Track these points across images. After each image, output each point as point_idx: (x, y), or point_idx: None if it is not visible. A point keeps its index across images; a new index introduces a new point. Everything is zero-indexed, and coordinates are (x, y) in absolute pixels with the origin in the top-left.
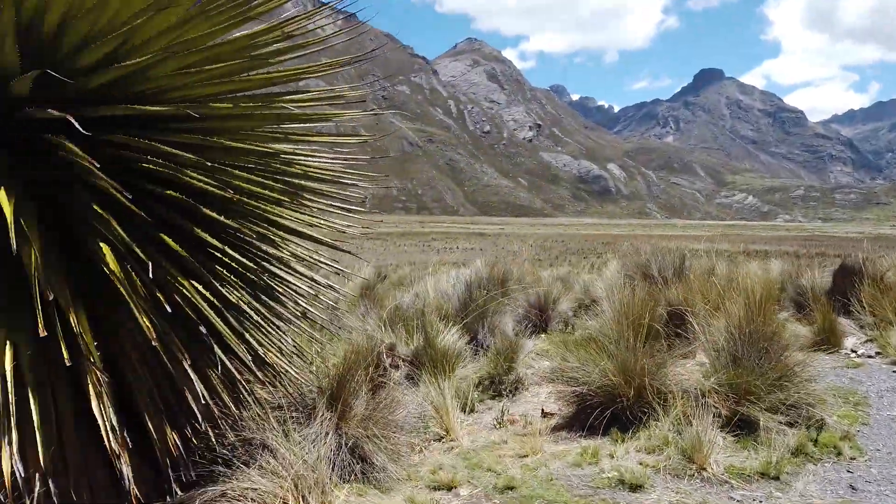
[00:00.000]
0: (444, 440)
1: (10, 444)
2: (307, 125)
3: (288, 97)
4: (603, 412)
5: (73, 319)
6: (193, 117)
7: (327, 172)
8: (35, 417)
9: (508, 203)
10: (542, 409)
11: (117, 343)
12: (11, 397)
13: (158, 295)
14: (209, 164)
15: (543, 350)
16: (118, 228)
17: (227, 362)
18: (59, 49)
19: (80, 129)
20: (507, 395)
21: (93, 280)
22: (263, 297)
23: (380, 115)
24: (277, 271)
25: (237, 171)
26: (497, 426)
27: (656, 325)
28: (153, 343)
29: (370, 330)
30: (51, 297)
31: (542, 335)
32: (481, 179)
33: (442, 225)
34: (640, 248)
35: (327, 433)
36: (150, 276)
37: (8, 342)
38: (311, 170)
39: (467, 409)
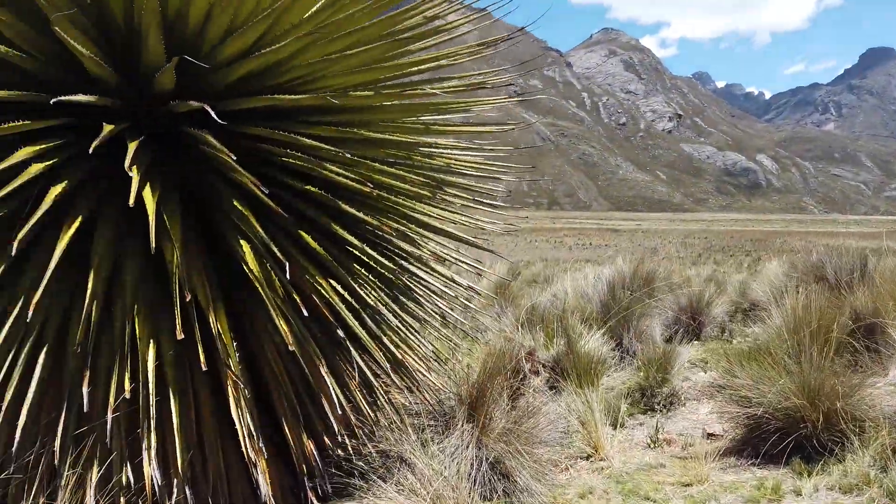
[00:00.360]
0: (591, 459)
1: (148, 448)
2: (447, 116)
3: (435, 85)
4: (782, 439)
5: (212, 319)
6: (332, 109)
7: (471, 165)
8: (175, 420)
9: (645, 198)
10: (705, 430)
11: (257, 341)
12: (152, 398)
13: (296, 297)
14: (349, 156)
15: (699, 359)
16: (257, 226)
17: (365, 367)
18: (202, 42)
19: (220, 120)
20: (661, 411)
21: (231, 276)
22: (402, 297)
23: (510, 109)
24: (416, 270)
25: (377, 165)
26: (651, 446)
27: (844, 338)
28: (291, 347)
29: (507, 331)
30: (188, 298)
31: (695, 342)
32: (616, 173)
33: (574, 221)
34: (807, 246)
35: (467, 446)
36: (288, 276)
37: (151, 341)
38: (455, 163)
39: (616, 423)
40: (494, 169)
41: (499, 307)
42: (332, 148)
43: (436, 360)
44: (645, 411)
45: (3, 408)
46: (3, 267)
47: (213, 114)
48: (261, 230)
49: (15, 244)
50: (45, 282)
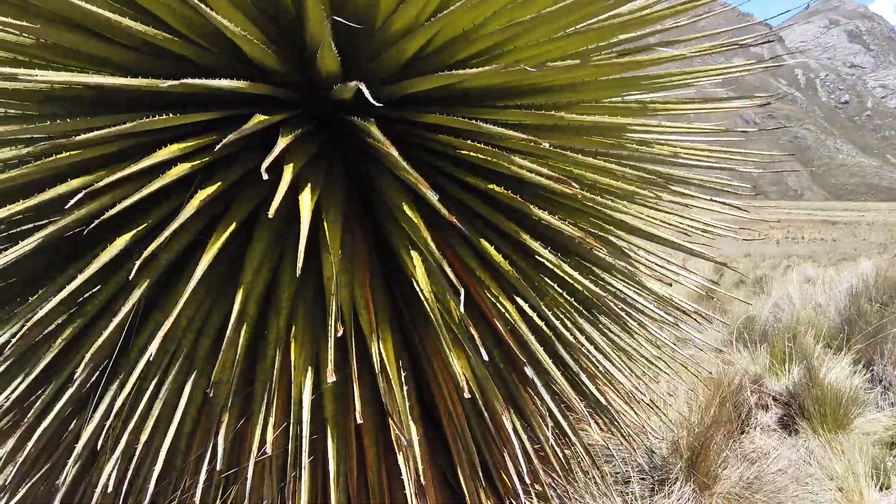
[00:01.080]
0: None
1: (293, 494)
2: (664, 93)
3: (659, 52)
4: None
5: (374, 349)
6: (523, 89)
7: (702, 154)
8: (332, 459)
9: (870, 185)
10: None
11: (430, 369)
12: (306, 431)
13: (473, 331)
14: (547, 147)
15: None
16: (428, 238)
17: (555, 407)
18: (374, 11)
19: (374, 102)
20: None
21: (403, 288)
22: (602, 322)
23: (702, 87)
24: (622, 288)
25: (580, 157)
26: None
27: None
28: (466, 394)
29: (723, 352)
30: (340, 332)
31: None
32: (834, 158)
33: (781, 211)
34: None
35: None
36: (462, 299)
37: (310, 368)
38: (684, 151)
39: (883, 485)
40: (732, 158)
41: (704, 317)
42: (524, 136)
43: (643, 398)
44: None
45: (140, 447)
46: (146, 283)
47: (366, 93)
48: (433, 244)
49: (138, 263)
50: (179, 306)
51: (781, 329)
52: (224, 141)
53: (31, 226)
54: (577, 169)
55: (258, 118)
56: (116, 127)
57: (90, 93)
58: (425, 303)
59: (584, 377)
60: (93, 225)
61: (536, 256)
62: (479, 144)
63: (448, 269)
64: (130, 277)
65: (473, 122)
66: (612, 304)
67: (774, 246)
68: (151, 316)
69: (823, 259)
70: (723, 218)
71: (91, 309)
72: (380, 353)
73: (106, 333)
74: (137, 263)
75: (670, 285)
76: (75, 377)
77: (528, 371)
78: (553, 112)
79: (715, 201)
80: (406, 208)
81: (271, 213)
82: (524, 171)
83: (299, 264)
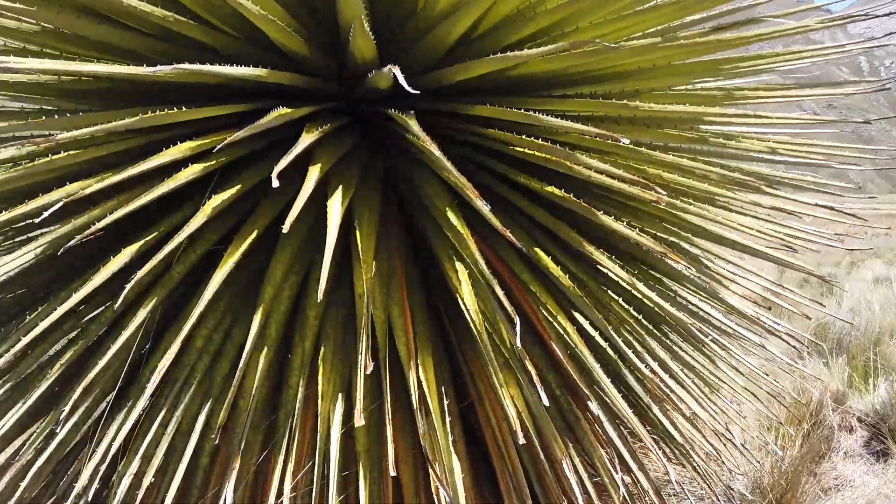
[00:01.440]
0: None
1: None
2: (741, 80)
3: (745, 31)
4: None
5: (412, 377)
6: (584, 77)
7: (804, 151)
8: (364, 500)
9: None
10: None
11: (476, 393)
12: (335, 469)
13: (529, 365)
14: (621, 143)
15: None
16: (476, 254)
17: (617, 438)
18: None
19: (409, 88)
20: None
21: (445, 301)
22: (671, 339)
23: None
24: (698, 303)
25: (656, 154)
26: None
27: None
28: (520, 438)
29: (802, 367)
30: (369, 369)
31: None
32: None
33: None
34: None
35: None
36: (518, 330)
37: (340, 395)
38: (782, 147)
39: None
40: (840, 154)
41: (770, 321)
42: (597, 131)
43: (717, 422)
44: None
45: (150, 479)
46: (155, 299)
47: (401, 79)
48: (482, 261)
49: (138, 276)
50: (189, 325)
51: (860, 337)
52: (230, 139)
53: (36, 233)
54: (652, 168)
55: (277, 112)
56: (111, 123)
57: (100, 85)
58: (472, 325)
59: (649, 401)
60: (84, 234)
61: (599, 267)
62: (536, 140)
63: (501, 293)
64: (123, 296)
65: (532, 113)
66: (687, 323)
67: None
68: (167, 335)
69: (887, 254)
70: (814, 222)
71: (96, 328)
72: (419, 384)
73: (107, 357)
74: (137, 277)
75: (768, 308)
76: (75, 407)
77: (593, 406)
78: (626, 101)
79: (823, 206)
80: (450, 215)
81: (286, 227)
82: (591, 171)
83: (321, 287)
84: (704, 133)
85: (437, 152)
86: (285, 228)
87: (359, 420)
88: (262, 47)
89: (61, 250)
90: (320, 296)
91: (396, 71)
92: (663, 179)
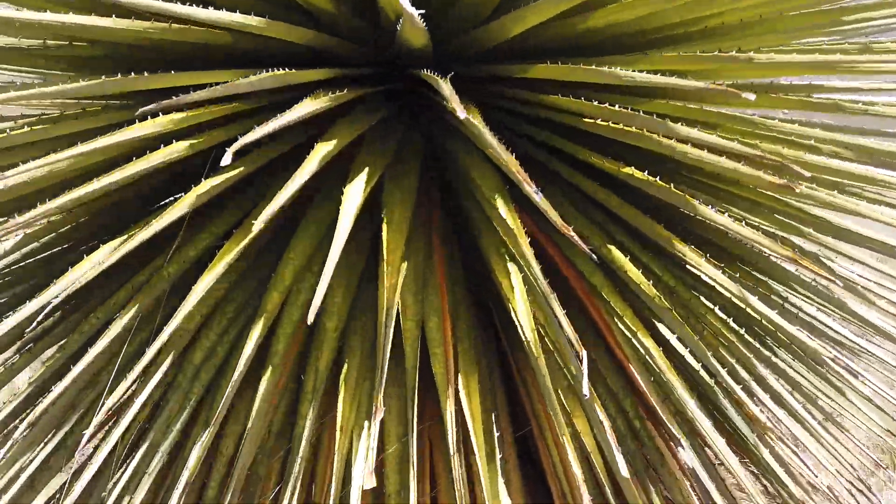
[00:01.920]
0: None
1: None
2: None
3: None
4: None
5: (449, 408)
6: (667, 34)
7: None
8: None
9: None
10: None
11: (534, 416)
12: None
13: (602, 415)
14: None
15: None
16: (531, 258)
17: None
18: None
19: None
20: None
21: (495, 301)
22: (778, 356)
23: None
24: (816, 314)
25: (775, 123)
26: None
27: None
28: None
29: None
30: (379, 416)
31: None
32: None
33: None
34: None
35: None
36: (585, 367)
37: (365, 427)
38: None
39: None
40: None
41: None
42: (692, 84)
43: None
44: None
45: None
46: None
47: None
48: (536, 267)
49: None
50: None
51: None
52: (238, 142)
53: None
54: (766, 143)
55: (269, 74)
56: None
57: (94, 52)
58: (526, 344)
59: (756, 441)
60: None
61: (688, 268)
62: (612, 107)
63: (562, 315)
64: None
65: (606, 69)
66: (807, 343)
67: None
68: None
69: None
70: None
71: (88, 329)
72: (458, 418)
73: (81, 367)
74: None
75: None
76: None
77: (683, 454)
78: (734, 53)
79: None
80: (500, 203)
81: (258, 224)
82: (688, 146)
83: (316, 301)
84: (836, 101)
85: (479, 123)
86: (257, 226)
87: (370, 481)
88: (281, 5)
89: None
90: (311, 318)
91: (416, 15)
92: (783, 157)
